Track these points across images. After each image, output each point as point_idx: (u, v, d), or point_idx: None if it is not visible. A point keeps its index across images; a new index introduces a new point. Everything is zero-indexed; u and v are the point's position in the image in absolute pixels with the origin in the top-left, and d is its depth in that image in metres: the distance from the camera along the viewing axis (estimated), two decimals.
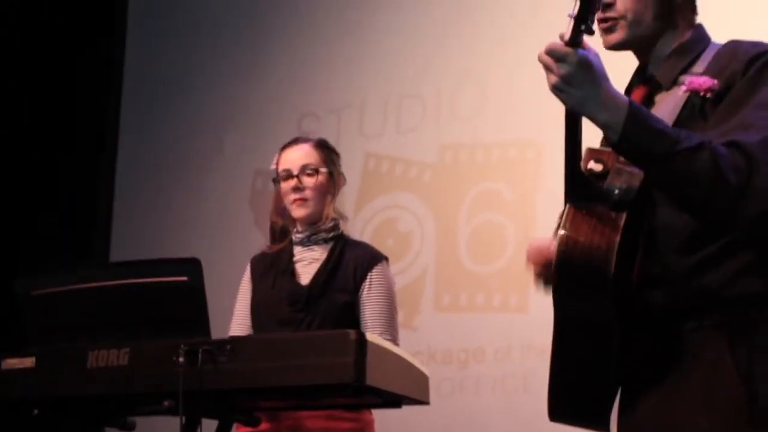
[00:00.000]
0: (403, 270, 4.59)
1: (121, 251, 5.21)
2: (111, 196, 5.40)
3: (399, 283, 4.48)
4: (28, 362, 2.74)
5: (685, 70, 2.18)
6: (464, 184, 4.62)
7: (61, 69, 5.41)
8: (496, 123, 4.58)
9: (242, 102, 5.18)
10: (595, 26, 2.00)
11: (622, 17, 2.20)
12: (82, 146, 5.42)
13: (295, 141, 3.51)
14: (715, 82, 2.11)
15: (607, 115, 1.97)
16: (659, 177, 2.01)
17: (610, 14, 2.20)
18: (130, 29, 5.55)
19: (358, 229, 4.64)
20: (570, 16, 1.93)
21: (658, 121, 2.02)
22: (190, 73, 5.36)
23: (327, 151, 3.48)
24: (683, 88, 2.14)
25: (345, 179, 3.53)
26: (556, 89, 1.96)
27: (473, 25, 4.69)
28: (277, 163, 3.49)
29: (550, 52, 1.95)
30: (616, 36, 2.21)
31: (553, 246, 2.06)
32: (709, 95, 2.11)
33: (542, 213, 4.33)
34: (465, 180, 4.62)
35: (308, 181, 3.40)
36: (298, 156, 3.44)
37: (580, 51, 1.94)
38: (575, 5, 1.91)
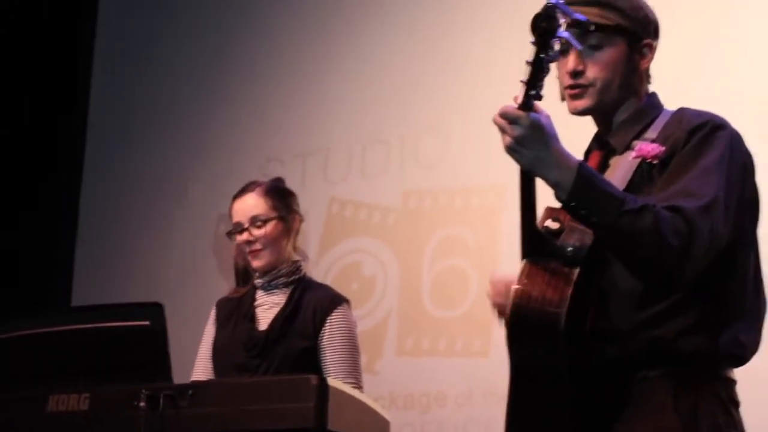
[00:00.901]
0: (366, 314, 4.59)
1: (82, 297, 5.18)
2: (73, 241, 5.37)
3: (362, 326, 4.48)
4: None
5: (638, 135, 2.28)
6: (427, 229, 4.64)
7: (24, 115, 5.38)
8: (459, 169, 4.61)
9: (207, 146, 5.18)
10: (548, 91, 2.07)
11: (591, 84, 2.28)
12: (43, 191, 5.39)
13: (243, 190, 3.49)
14: (663, 149, 2.21)
15: (558, 174, 2.06)
16: (605, 237, 2.10)
17: (580, 81, 2.28)
18: (94, 72, 5.54)
19: (321, 273, 4.64)
20: (522, 81, 2.02)
21: (605, 183, 2.11)
22: (154, 116, 5.35)
23: (276, 196, 3.47)
24: (633, 154, 2.23)
25: (302, 218, 3.53)
26: (510, 150, 2.06)
27: (438, 73, 4.73)
28: (230, 214, 3.49)
29: (504, 115, 2.05)
30: (584, 102, 2.29)
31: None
32: (655, 161, 2.21)
33: (504, 258, 4.35)
34: (428, 225, 4.64)
35: (258, 233, 3.40)
36: (247, 207, 3.43)
37: (532, 114, 2.03)
38: (527, 71, 2.01)
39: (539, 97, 2.03)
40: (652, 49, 2.34)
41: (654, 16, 2.36)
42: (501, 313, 2.28)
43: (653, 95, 2.36)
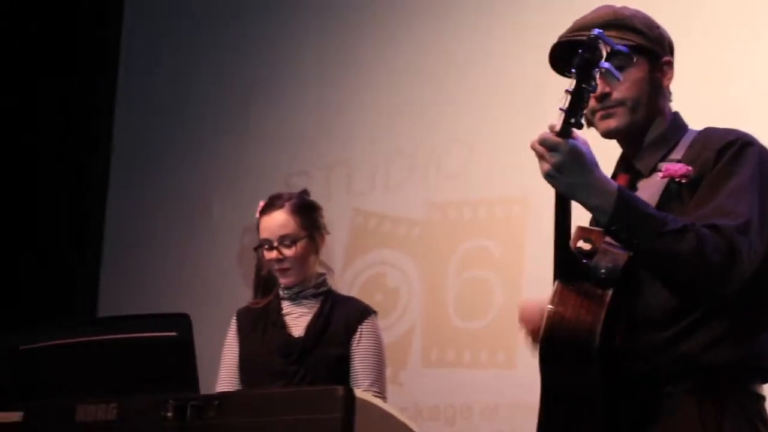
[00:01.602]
0: (390, 325, 4.59)
1: (109, 310, 5.20)
2: (99, 255, 5.39)
3: (387, 338, 4.46)
4: (16, 417, 2.74)
5: (664, 158, 2.29)
6: (452, 241, 4.64)
7: (51, 127, 5.42)
8: (483, 180, 4.62)
9: (231, 160, 5.20)
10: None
11: (621, 104, 2.30)
12: (71, 203, 5.42)
13: (272, 206, 3.47)
14: (690, 168, 2.23)
15: (597, 199, 2.09)
16: (647, 257, 2.12)
17: (608, 103, 2.30)
18: (119, 90, 5.57)
19: (346, 284, 4.65)
20: (561, 109, 2.04)
21: (645, 205, 2.14)
22: (179, 131, 5.38)
23: (304, 214, 3.47)
24: (660, 174, 2.25)
25: (327, 231, 3.54)
26: (549, 176, 2.08)
27: (461, 84, 4.74)
28: (258, 228, 3.49)
29: (543, 142, 2.06)
30: (615, 122, 2.31)
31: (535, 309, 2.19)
32: (684, 181, 2.23)
33: (529, 269, 4.35)
34: (452, 237, 4.64)
35: (288, 253, 3.41)
36: (275, 225, 3.43)
37: (571, 141, 2.05)
38: (566, 99, 2.03)
39: (579, 126, 2.06)
40: (671, 66, 2.36)
41: (668, 35, 2.39)
42: (533, 338, 2.29)
43: (677, 115, 2.38)
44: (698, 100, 3.63)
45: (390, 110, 4.90)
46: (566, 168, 2.05)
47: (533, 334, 2.28)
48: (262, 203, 3.52)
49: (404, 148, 4.84)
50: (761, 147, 2.26)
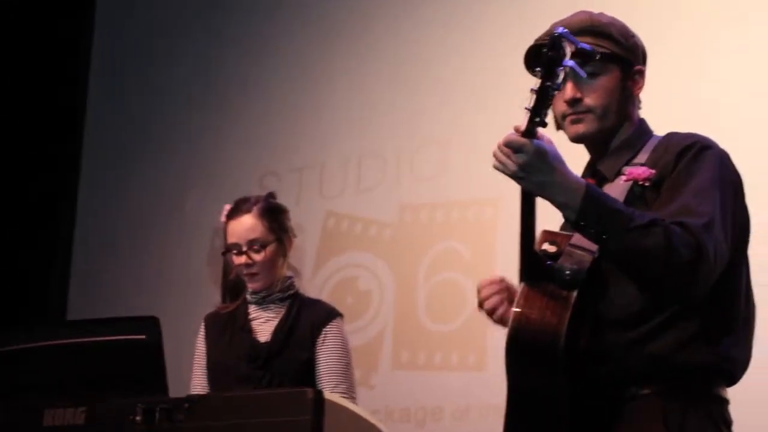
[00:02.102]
0: (361, 328, 4.60)
1: (78, 310, 5.18)
2: (69, 255, 5.37)
3: (358, 341, 4.49)
4: None
5: (629, 162, 2.31)
6: (423, 243, 4.65)
7: (21, 129, 5.39)
8: (455, 182, 4.62)
9: (203, 161, 5.19)
10: (549, 119, 2.11)
11: (590, 111, 2.32)
12: (40, 202, 5.39)
13: (239, 210, 3.45)
14: (653, 171, 2.25)
15: (565, 196, 2.10)
16: (616, 252, 2.12)
17: (578, 108, 2.32)
18: (91, 87, 5.55)
19: (317, 287, 4.65)
20: (526, 108, 2.05)
21: (613, 200, 2.15)
22: (151, 130, 5.37)
23: (272, 217, 3.45)
24: (624, 177, 2.27)
25: (295, 234, 3.53)
26: (516, 177, 2.08)
27: (433, 87, 4.75)
28: (225, 232, 3.47)
29: (508, 144, 2.07)
30: (583, 127, 2.33)
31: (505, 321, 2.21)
32: (647, 183, 2.24)
33: (500, 271, 4.33)
34: (424, 239, 4.65)
35: (257, 258, 3.40)
36: (244, 230, 3.41)
37: (536, 141, 2.06)
38: (531, 99, 2.04)
39: (544, 125, 2.07)
40: (642, 75, 2.38)
41: (642, 43, 2.41)
42: (491, 311, 2.32)
43: (643, 121, 2.40)
44: (668, 105, 3.66)
45: (362, 112, 4.90)
46: (533, 167, 2.06)
47: (491, 307, 2.32)
48: (227, 207, 3.50)
49: (376, 150, 4.84)
50: (720, 150, 2.29)
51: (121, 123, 5.46)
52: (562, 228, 2.34)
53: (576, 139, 2.34)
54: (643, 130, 2.38)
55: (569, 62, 2.05)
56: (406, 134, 4.78)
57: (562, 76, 2.05)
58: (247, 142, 5.12)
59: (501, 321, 2.33)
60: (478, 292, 2.37)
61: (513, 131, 2.08)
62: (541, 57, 2.04)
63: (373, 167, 4.84)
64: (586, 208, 2.09)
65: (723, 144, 2.34)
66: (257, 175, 4.99)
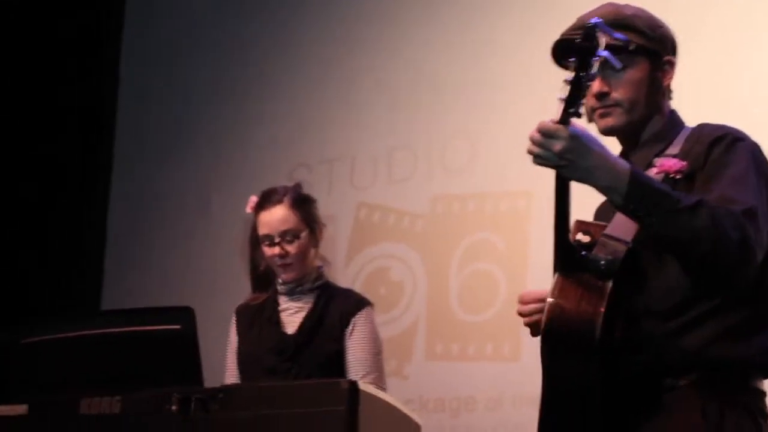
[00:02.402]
0: (394, 319, 4.60)
1: (111, 304, 5.20)
2: (103, 248, 5.40)
3: (391, 331, 4.49)
4: (21, 410, 2.74)
5: (660, 153, 2.29)
6: (455, 234, 4.64)
7: (54, 125, 5.43)
8: (487, 174, 4.61)
9: (232, 154, 5.19)
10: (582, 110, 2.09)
11: (618, 104, 2.29)
12: (73, 201, 5.43)
13: (269, 201, 3.43)
14: (684, 163, 2.23)
15: (609, 179, 2.07)
16: (664, 234, 2.10)
17: (606, 102, 2.29)
18: (121, 91, 5.57)
19: (350, 278, 4.65)
20: (560, 99, 2.03)
21: (658, 183, 2.13)
22: (180, 126, 5.37)
23: (303, 208, 3.43)
24: (655, 170, 2.25)
25: (325, 224, 3.51)
26: (557, 165, 2.05)
27: (465, 78, 4.73)
28: (256, 223, 3.45)
29: (542, 130, 2.04)
30: (612, 120, 2.30)
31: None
32: (678, 176, 2.22)
33: (533, 262, 4.35)
34: (456, 230, 4.64)
35: (291, 248, 3.38)
36: (276, 221, 3.39)
37: (570, 127, 2.04)
38: (566, 89, 2.02)
39: (578, 115, 2.05)
40: (672, 65, 2.36)
41: (671, 33, 2.38)
42: (533, 330, 2.29)
43: (674, 112, 2.38)
44: (702, 98, 3.63)
45: (393, 104, 4.89)
46: (572, 152, 2.03)
47: (533, 327, 2.28)
48: (255, 198, 3.48)
49: (408, 142, 4.84)
50: (752, 142, 2.26)
51: (150, 121, 5.46)
52: (596, 218, 2.33)
53: (605, 132, 2.32)
54: (674, 121, 2.35)
55: (603, 52, 2.04)
56: (439, 126, 4.77)
57: (596, 66, 2.03)
58: (276, 134, 5.12)
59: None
60: (520, 302, 2.34)
61: (545, 120, 2.05)
62: (575, 47, 2.03)
63: (404, 159, 4.83)
64: (632, 191, 2.06)
65: (756, 136, 2.32)
66: (287, 167, 4.99)
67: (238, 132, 5.21)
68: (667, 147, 2.30)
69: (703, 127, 2.31)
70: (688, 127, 2.35)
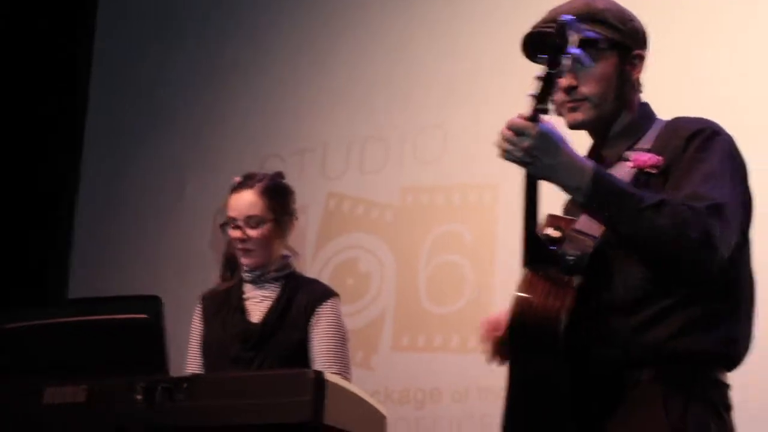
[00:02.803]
0: (362, 309, 4.61)
1: (79, 291, 5.18)
2: (71, 235, 5.37)
3: (358, 322, 4.50)
4: None
5: (632, 147, 2.30)
6: (424, 225, 4.65)
7: (24, 113, 5.39)
8: (457, 166, 4.63)
9: (205, 142, 5.19)
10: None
11: (586, 99, 2.30)
12: (42, 185, 5.39)
13: (242, 185, 3.45)
14: (660, 158, 2.24)
15: (573, 179, 2.10)
16: (626, 233, 2.12)
17: (574, 96, 2.30)
18: (93, 72, 5.54)
19: (317, 268, 4.65)
20: (530, 95, 2.05)
21: (621, 182, 2.15)
22: (153, 112, 5.36)
23: (274, 197, 3.44)
24: (630, 164, 2.26)
25: (296, 217, 3.51)
26: (523, 162, 2.08)
27: (437, 70, 4.74)
28: (226, 205, 3.47)
29: (511, 127, 2.07)
30: (580, 115, 2.31)
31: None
32: (654, 171, 2.23)
33: (500, 255, 4.37)
34: (425, 222, 4.65)
35: (252, 233, 3.39)
36: (243, 205, 3.40)
37: (540, 124, 2.06)
38: (535, 86, 2.04)
39: (546, 111, 2.07)
40: (642, 59, 2.36)
41: (642, 26, 2.39)
42: (492, 351, 2.34)
43: (645, 105, 2.38)
44: (675, 92, 3.66)
45: (365, 94, 4.90)
46: (538, 150, 2.06)
47: (495, 347, 2.33)
48: (236, 179, 3.50)
49: (379, 133, 4.84)
50: (728, 136, 2.28)
51: (123, 107, 5.45)
52: (566, 212, 2.35)
53: (573, 126, 2.33)
54: (645, 115, 2.36)
55: (575, 50, 2.05)
56: (410, 117, 4.78)
57: (566, 63, 2.05)
58: (248, 123, 5.12)
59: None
60: (482, 326, 2.37)
61: (516, 117, 2.08)
62: (547, 44, 2.05)
63: (376, 150, 4.84)
64: (595, 190, 2.09)
65: (735, 131, 2.33)
66: (259, 157, 4.99)
67: (212, 121, 5.20)
68: (638, 140, 2.31)
69: (678, 121, 2.32)
70: (660, 120, 2.36)
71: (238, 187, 3.45)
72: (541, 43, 2.16)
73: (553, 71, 2.03)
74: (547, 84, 2.04)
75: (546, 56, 2.05)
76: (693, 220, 2.08)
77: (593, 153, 2.37)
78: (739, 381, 2.29)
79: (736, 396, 2.25)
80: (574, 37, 2.05)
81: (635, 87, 2.36)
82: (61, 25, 5.50)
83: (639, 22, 2.39)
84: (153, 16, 5.51)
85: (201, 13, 5.39)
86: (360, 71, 4.93)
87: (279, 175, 3.54)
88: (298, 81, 5.05)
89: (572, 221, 2.23)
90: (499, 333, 2.30)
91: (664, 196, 2.12)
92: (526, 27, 2.36)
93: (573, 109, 2.31)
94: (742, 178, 2.25)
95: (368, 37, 4.95)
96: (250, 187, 3.43)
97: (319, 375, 2.56)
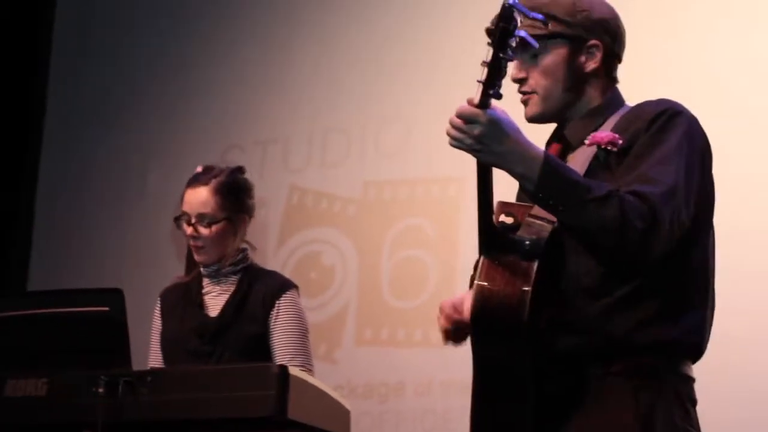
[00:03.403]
0: (325, 303, 4.60)
1: (39, 283, 5.13)
2: (31, 227, 5.32)
3: (321, 316, 4.50)
4: None
5: (595, 130, 2.28)
6: (387, 219, 4.65)
7: None
8: (419, 160, 4.63)
9: (167, 133, 5.15)
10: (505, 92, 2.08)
11: (534, 92, 2.31)
12: (0, 172, 5.34)
13: (199, 180, 3.40)
14: (617, 136, 2.23)
15: (523, 167, 2.09)
16: (572, 224, 2.12)
17: (523, 89, 2.31)
18: (52, 65, 5.49)
19: (280, 262, 4.64)
20: (479, 81, 2.03)
21: (571, 171, 2.14)
22: (115, 103, 5.32)
23: (228, 195, 3.38)
24: (587, 143, 2.26)
25: (252, 215, 3.46)
26: (472, 150, 2.06)
27: (400, 63, 4.74)
28: (181, 197, 3.43)
29: (460, 115, 2.05)
30: (531, 109, 2.32)
31: (468, 298, 2.16)
32: (612, 148, 2.22)
33: (463, 249, 4.37)
34: (388, 216, 4.65)
35: (204, 231, 3.34)
36: (196, 202, 3.35)
37: (489, 111, 2.04)
38: (484, 72, 2.02)
39: (498, 96, 2.05)
40: (600, 48, 2.32)
41: (600, 15, 2.33)
42: (448, 336, 2.32)
43: (615, 91, 2.36)
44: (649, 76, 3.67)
45: (327, 86, 4.88)
46: (488, 138, 2.04)
47: (450, 329, 2.31)
48: (198, 170, 3.46)
49: (342, 126, 4.83)
50: (690, 116, 2.26)
51: (83, 95, 5.40)
52: (518, 199, 2.33)
53: (528, 121, 2.32)
54: (614, 101, 2.35)
55: (521, 32, 2.03)
56: (372, 111, 4.77)
57: (513, 46, 2.01)
58: (210, 114, 5.09)
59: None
60: (442, 309, 2.35)
61: (465, 104, 2.06)
62: (493, 28, 2.02)
63: (338, 142, 4.83)
64: (543, 179, 2.07)
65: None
66: (221, 148, 4.96)
67: (175, 110, 5.17)
68: (602, 124, 2.29)
69: (642, 104, 2.31)
70: (627, 105, 2.34)
71: (194, 182, 3.41)
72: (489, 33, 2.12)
73: (500, 55, 2.00)
74: (495, 68, 2.01)
75: (492, 40, 2.01)
76: (640, 210, 2.08)
77: (557, 133, 2.36)
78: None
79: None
80: (518, 20, 2.02)
81: (597, 76, 2.33)
82: (21, 10, 5.44)
83: (598, 11, 2.34)
84: (116, 4, 5.47)
85: (162, 5, 5.35)
86: (322, 63, 4.91)
87: (239, 170, 3.48)
88: (259, 72, 5.03)
89: (527, 207, 2.22)
90: (459, 316, 2.27)
91: (612, 188, 2.11)
92: (487, 19, 2.34)
93: (524, 102, 2.32)
94: (701, 159, 2.24)
95: (331, 31, 4.94)
96: (206, 183, 3.38)
97: (283, 369, 2.56)
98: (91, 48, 5.44)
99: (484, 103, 2.03)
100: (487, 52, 2.02)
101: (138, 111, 5.24)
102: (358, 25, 4.87)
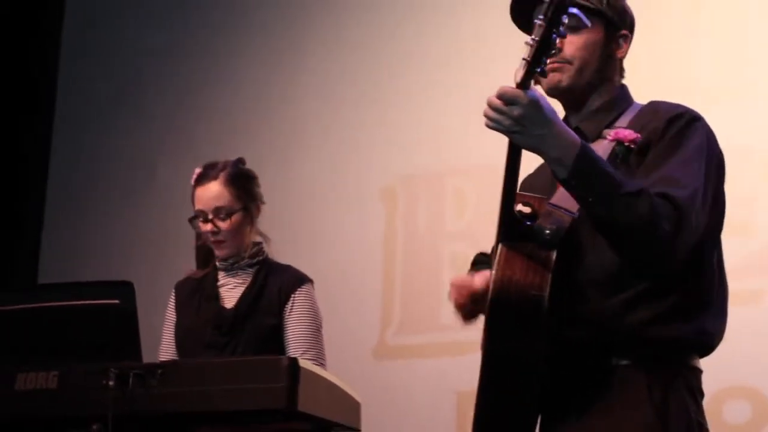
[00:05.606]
0: None
1: (50, 276, 5.14)
2: (41, 220, 5.33)
3: None
4: None
5: (610, 124, 2.28)
6: None
7: None
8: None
9: (176, 126, 5.16)
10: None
11: (569, 62, 2.29)
12: (11, 170, 5.35)
13: (206, 176, 3.42)
14: (638, 135, 2.22)
15: (559, 152, 2.06)
16: (600, 215, 2.10)
17: (557, 58, 2.27)
18: (63, 53, 5.50)
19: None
20: (524, 59, 1.99)
21: (604, 163, 2.12)
22: (124, 96, 5.33)
23: (239, 184, 3.41)
24: (609, 138, 2.24)
25: (263, 201, 3.49)
26: (509, 131, 2.02)
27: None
28: (192, 198, 3.45)
29: (502, 96, 2.01)
30: (559, 76, 2.28)
31: (477, 281, 2.18)
32: (632, 146, 2.21)
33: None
34: None
35: (223, 225, 3.37)
36: (210, 197, 3.38)
37: (530, 92, 2.01)
38: (529, 50, 1.98)
39: (544, 74, 2.03)
40: (627, 40, 2.35)
41: (631, 11, 2.38)
42: (465, 314, 2.30)
43: (624, 87, 2.38)
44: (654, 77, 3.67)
45: (339, 80, 4.90)
46: (528, 119, 2.01)
47: (464, 305, 2.28)
48: (197, 171, 3.47)
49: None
50: (708, 126, 2.28)
51: (92, 88, 5.41)
52: (522, 188, 2.29)
53: (551, 89, 2.29)
54: (624, 96, 2.36)
55: (573, 9, 2.01)
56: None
57: (565, 22, 1.99)
58: (221, 107, 5.10)
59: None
60: (452, 285, 2.32)
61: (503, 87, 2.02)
62: (546, 5, 1.98)
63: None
64: (578, 166, 2.05)
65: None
66: (230, 141, 4.96)
67: (184, 103, 5.17)
68: (617, 118, 2.29)
69: (657, 104, 2.31)
70: (638, 104, 2.35)
71: (201, 179, 3.43)
72: (531, 7, 2.12)
73: (554, 32, 1.97)
74: (544, 45, 1.97)
75: (544, 16, 1.97)
76: (669, 213, 2.08)
77: (568, 125, 2.35)
78: None
79: None
80: None
81: (616, 66, 2.35)
82: (30, 6, 5.45)
83: (627, 5, 2.38)
84: (123, 3, 5.48)
85: (169, 1, 5.37)
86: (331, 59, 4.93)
87: (240, 161, 3.50)
88: (266, 60, 5.03)
89: (541, 199, 2.21)
90: (470, 286, 2.24)
91: (643, 185, 2.10)
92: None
93: (554, 70, 2.27)
94: (717, 166, 2.25)
95: (338, 25, 4.95)
96: (215, 177, 3.40)
97: (293, 362, 2.55)
98: (99, 44, 5.45)
99: (525, 84, 2.00)
100: (535, 29, 1.98)
101: (147, 106, 5.25)
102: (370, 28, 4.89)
